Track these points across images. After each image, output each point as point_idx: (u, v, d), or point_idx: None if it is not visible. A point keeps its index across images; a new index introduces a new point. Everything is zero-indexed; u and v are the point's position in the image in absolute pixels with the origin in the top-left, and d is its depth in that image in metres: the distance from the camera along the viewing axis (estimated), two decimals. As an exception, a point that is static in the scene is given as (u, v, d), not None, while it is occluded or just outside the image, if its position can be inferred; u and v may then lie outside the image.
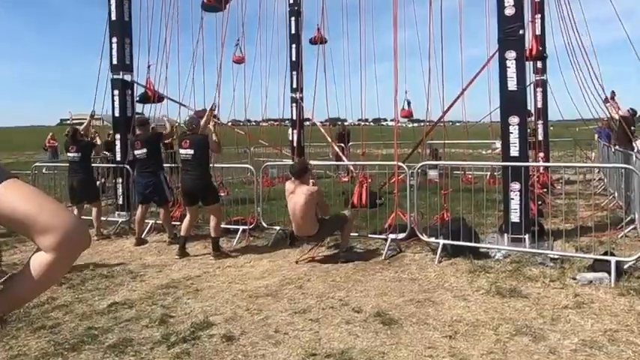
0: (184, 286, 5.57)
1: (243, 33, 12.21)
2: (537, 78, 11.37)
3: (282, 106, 13.32)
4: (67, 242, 1.11)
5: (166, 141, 9.34)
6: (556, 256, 5.83)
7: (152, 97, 9.32)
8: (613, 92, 9.22)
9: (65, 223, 1.11)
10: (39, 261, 1.13)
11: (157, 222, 8.13)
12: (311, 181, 6.43)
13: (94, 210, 8.00)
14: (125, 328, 4.41)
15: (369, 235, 7.05)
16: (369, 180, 11.08)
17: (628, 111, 10.55)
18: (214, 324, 4.43)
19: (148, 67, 9.35)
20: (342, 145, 15.43)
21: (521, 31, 6.33)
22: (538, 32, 10.93)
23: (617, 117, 9.65)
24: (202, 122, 7.01)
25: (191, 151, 6.75)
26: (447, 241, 6.25)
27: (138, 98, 9.29)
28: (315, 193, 6.17)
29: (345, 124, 18.77)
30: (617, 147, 9.73)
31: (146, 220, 7.95)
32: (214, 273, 6.06)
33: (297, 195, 6.17)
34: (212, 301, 5.05)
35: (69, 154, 8.12)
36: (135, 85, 9.15)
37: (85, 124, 8.71)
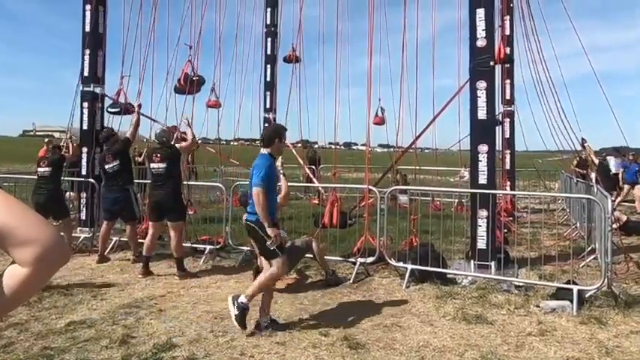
0: (147, 305, 5.42)
1: (220, 77, 12.14)
2: (506, 109, 11.70)
3: (250, 124, 13.28)
4: (47, 257, 1.05)
5: (140, 158, 9.17)
6: (521, 284, 5.92)
7: (123, 108, 9.15)
8: (583, 139, 9.56)
9: (45, 236, 1.06)
10: (13, 275, 1.06)
11: (122, 239, 7.92)
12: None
13: (65, 227, 7.69)
14: (83, 348, 4.24)
15: (338, 259, 7.02)
16: (339, 203, 11.13)
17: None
18: (177, 345, 4.31)
19: (121, 77, 9.21)
20: (313, 167, 15.47)
21: (491, 63, 6.53)
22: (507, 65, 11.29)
23: (596, 161, 10.02)
24: (188, 136, 6.94)
25: (163, 165, 6.62)
26: (415, 266, 6.29)
27: (114, 109, 9.09)
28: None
29: (316, 146, 18.85)
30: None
31: (110, 237, 7.73)
32: (179, 293, 5.92)
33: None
34: (176, 321, 4.92)
35: (39, 169, 7.80)
36: (105, 98, 8.99)
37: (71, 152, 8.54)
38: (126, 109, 9.04)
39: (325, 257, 6.55)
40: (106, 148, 7.72)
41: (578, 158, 11.50)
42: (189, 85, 9.44)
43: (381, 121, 12.43)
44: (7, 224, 1.04)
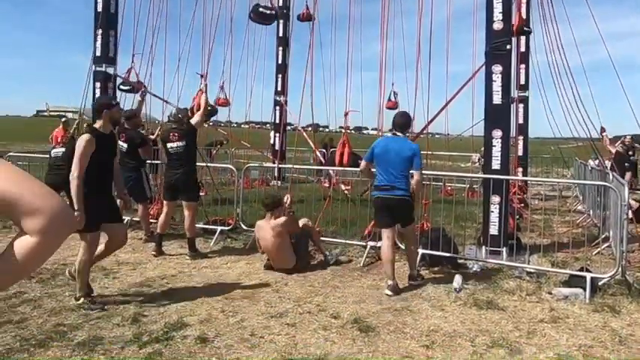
0: (159, 285, 5.45)
1: (230, 75, 12.09)
2: (520, 94, 11.54)
3: (262, 107, 13.24)
4: (54, 225, 1.07)
5: (153, 136, 9.18)
6: (532, 270, 5.88)
7: (134, 86, 9.17)
8: (603, 128, 9.38)
9: (52, 205, 1.07)
10: (22, 244, 1.07)
11: (134, 218, 7.97)
12: (287, 197, 6.51)
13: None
14: (95, 325, 4.28)
15: (348, 242, 7.01)
16: (349, 187, 11.12)
17: (625, 142, 10.69)
18: (188, 325, 4.33)
19: (133, 56, 9.22)
20: (324, 150, 15.42)
21: (508, 46, 6.41)
22: (523, 49, 11.13)
23: (612, 150, 9.87)
24: (202, 106, 6.95)
25: (182, 143, 6.62)
26: (426, 251, 6.26)
27: (125, 87, 9.11)
28: (284, 225, 5.96)
29: (327, 130, 18.79)
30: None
31: (123, 216, 7.76)
32: (190, 273, 5.95)
33: (264, 231, 5.99)
34: (187, 301, 4.94)
35: (54, 150, 7.92)
36: (117, 78, 8.98)
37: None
38: (136, 88, 9.07)
39: (331, 240, 6.79)
40: (124, 127, 7.75)
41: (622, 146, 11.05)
42: (259, 16, 9.54)
43: (394, 105, 12.34)
44: (14, 194, 1.04)
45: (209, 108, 9.73)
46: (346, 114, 10.01)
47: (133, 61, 9.20)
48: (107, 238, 4.91)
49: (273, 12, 10.94)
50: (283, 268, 5.97)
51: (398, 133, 5.60)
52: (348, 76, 10.12)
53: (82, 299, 4.69)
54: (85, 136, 4.68)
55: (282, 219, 6.02)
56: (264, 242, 6.05)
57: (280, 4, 13.64)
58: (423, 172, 5.81)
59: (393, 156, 5.43)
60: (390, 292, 5.27)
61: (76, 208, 4.45)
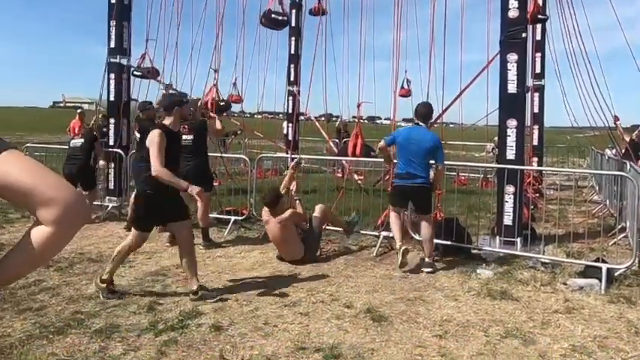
0: (174, 274, 5.52)
1: (242, 66, 12.04)
2: (535, 83, 11.38)
3: (275, 98, 13.20)
4: (69, 215, 1.09)
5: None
6: (547, 261, 5.84)
7: (149, 72, 9.24)
8: (617, 117, 9.22)
9: (67, 196, 1.09)
10: (38, 234, 1.10)
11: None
12: (297, 200, 6.52)
13: (89, 196, 7.88)
14: (112, 313, 4.36)
15: (362, 232, 7.02)
16: (362, 177, 11.09)
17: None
18: (203, 313, 4.39)
19: (147, 41, 9.27)
20: (337, 140, 15.38)
21: (523, 34, 6.32)
22: (538, 37, 10.96)
23: (627, 139, 9.71)
24: (217, 124, 7.15)
25: (190, 137, 6.67)
26: (439, 241, 6.24)
27: (139, 73, 9.18)
28: (289, 219, 6.00)
29: (339, 120, 18.70)
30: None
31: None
32: (204, 262, 6.01)
33: (271, 225, 6.05)
34: (201, 290, 4.99)
35: (72, 141, 8.07)
36: (132, 67, 9.04)
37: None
38: (150, 73, 9.14)
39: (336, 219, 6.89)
40: (136, 117, 7.85)
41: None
42: (214, 110, 9.66)
43: (407, 93, 12.24)
44: (30, 185, 1.07)
45: (222, 103, 9.83)
46: (359, 105, 9.98)
47: (146, 47, 9.25)
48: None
49: (285, 18, 11.01)
50: (293, 260, 6.01)
51: (420, 123, 5.82)
52: (360, 65, 10.07)
53: (104, 284, 4.71)
54: (157, 131, 4.66)
55: (288, 212, 6.06)
56: (271, 234, 6.11)
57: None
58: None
59: (415, 146, 5.68)
60: (402, 259, 5.61)
61: (184, 187, 4.62)
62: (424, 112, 5.92)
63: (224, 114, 10.77)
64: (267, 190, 6.70)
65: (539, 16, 8.59)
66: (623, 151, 9.41)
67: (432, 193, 5.97)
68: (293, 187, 6.69)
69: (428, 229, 5.85)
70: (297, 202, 6.58)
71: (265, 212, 6.17)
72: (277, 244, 6.11)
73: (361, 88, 9.86)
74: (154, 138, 4.61)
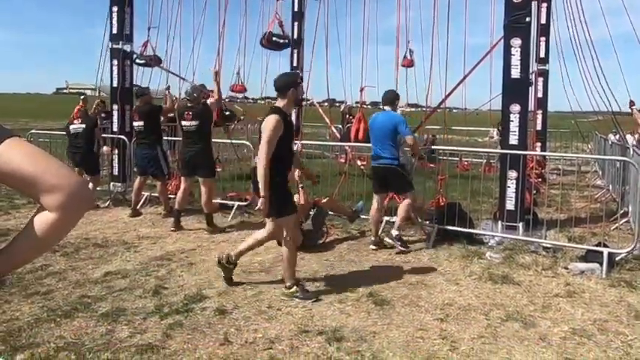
0: (178, 258, 5.58)
1: (246, 36, 11.99)
2: (539, 67, 11.31)
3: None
4: (73, 201, 1.11)
5: (169, 115, 9.25)
6: (549, 245, 5.87)
7: (151, 61, 9.23)
8: (632, 102, 9.15)
9: (70, 182, 1.11)
10: (43, 220, 1.12)
11: (153, 194, 8.11)
12: (301, 187, 6.42)
13: (90, 185, 7.95)
14: (118, 297, 4.42)
15: (364, 217, 7.05)
16: (365, 162, 11.10)
17: None
18: (207, 297, 4.45)
19: (149, 29, 9.26)
20: (340, 126, 15.34)
21: (527, 19, 6.27)
22: (543, 22, 10.87)
23: None
24: (215, 89, 7.10)
25: (195, 122, 6.69)
26: (442, 225, 6.28)
27: (141, 61, 9.18)
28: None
29: (343, 106, 18.62)
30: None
31: (142, 192, 7.92)
32: (208, 247, 6.07)
33: None
34: (205, 274, 5.07)
35: (72, 126, 8.09)
36: (134, 54, 9.03)
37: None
38: (152, 61, 9.14)
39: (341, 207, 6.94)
40: (136, 106, 7.89)
41: None
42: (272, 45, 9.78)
43: (409, 64, 12.12)
44: (33, 172, 1.08)
45: (227, 113, 9.89)
46: (362, 89, 9.96)
47: (149, 35, 9.23)
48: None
49: (286, 40, 11.12)
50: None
51: (385, 108, 6.16)
52: (364, 48, 10.00)
53: (294, 287, 4.47)
54: (274, 117, 4.30)
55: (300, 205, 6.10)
56: None
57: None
58: (440, 147, 5.92)
59: (377, 129, 6.07)
60: (373, 247, 6.02)
61: (262, 194, 4.24)
62: (387, 97, 6.21)
63: (227, 97, 10.80)
64: None
65: None
66: (635, 139, 9.36)
67: (403, 172, 6.04)
68: (297, 174, 6.70)
69: (402, 206, 6.03)
70: (301, 189, 6.58)
71: None
72: None
73: (365, 71, 9.82)
74: (269, 124, 4.27)
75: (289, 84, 4.51)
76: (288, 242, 4.51)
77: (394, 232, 5.92)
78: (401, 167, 6.02)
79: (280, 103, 4.51)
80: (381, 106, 6.54)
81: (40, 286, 4.61)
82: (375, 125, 6.14)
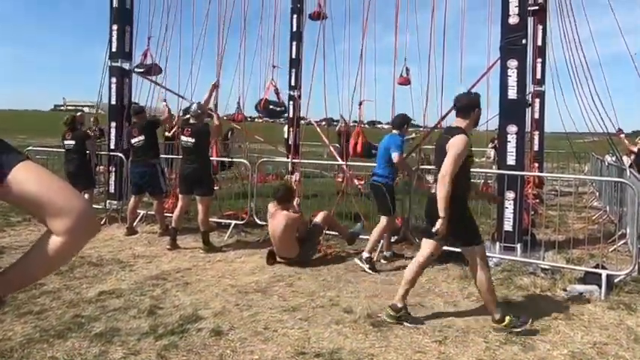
0: (174, 278, 5.53)
1: (245, 54, 12.06)
2: (536, 89, 11.41)
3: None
4: (80, 226, 1.12)
5: (169, 133, 9.26)
6: (547, 267, 5.84)
7: (151, 69, 9.25)
8: (620, 130, 9.25)
9: (78, 207, 1.12)
10: (50, 243, 1.13)
11: (149, 212, 8.07)
12: (296, 202, 6.59)
13: (86, 197, 7.92)
14: (112, 317, 4.36)
15: (361, 237, 7.02)
16: (362, 181, 11.10)
17: None
18: (203, 318, 4.39)
19: (149, 38, 9.30)
20: (338, 145, 15.34)
21: (523, 41, 6.34)
22: (539, 43, 10.99)
23: (635, 149, 9.73)
24: (205, 97, 7.21)
25: (192, 140, 6.71)
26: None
27: (141, 70, 9.19)
28: (295, 220, 6.17)
29: (342, 125, 18.65)
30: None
31: (138, 210, 7.88)
32: (204, 267, 6.02)
33: (277, 219, 6.13)
34: (201, 294, 5.01)
35: (65, 142, 8.10)
36: (133, 73, 9.06)
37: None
38: (152, 70, 9.16)
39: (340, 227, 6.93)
40: (133, 122, 7.90)
41: None
42: (267, 112, 9.88)
43: (406, 82, 12.17)
44: (42, 196, 1.10)
45: (278, 109, 10.06)
46: (360, 103, 9.98)
47: (148, 44, 9.27)
48: None
49: (283, 108, 11.32)
50: (285, 257, 6.14)
51: (394, 131, 6.39)
52: (361, 62, 10.02)
53: (507, 318, 4.18)
54: (464, 137, 4.09)
55: (297, 216, 6.22)
56: (273, 228, 6.18)
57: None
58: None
59: (379, 149, 6.39)
60: (384, 261, 6.25)
61: (441, 215, 3.98)
62: (394, 121, 6.52)
63: (224, 115, 10.82)
64: (277, 187, 6.91)
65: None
66: (627, 161, 9.41)
67: (386, 192, 6.14)
68: (295, 177, 6.91)
69: (376, 228, 6.18)
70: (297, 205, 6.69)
71: (273, 205, 6.32)
72: (275, 239, 6.17)
73: (362, 85, 9.81)
74: (459, 143, 4.05)
75: (474, 104, 4.36)
76: (485, 270, 4.25)
77: (365, 255, 6.00)
78: (387, 187, 6.16)
79: (462, 123, 4.29)
80: (378, 125, 6.64)
81: (33, 306, 4.55)
82: (380, 146, 6.44)
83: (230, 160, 11.03)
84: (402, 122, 6.44)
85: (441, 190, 4.01)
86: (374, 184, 6.29)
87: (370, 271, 5.85)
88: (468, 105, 4.33)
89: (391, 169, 6.22)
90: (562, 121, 10.10)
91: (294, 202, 6.61)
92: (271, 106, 10.77)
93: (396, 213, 7.00)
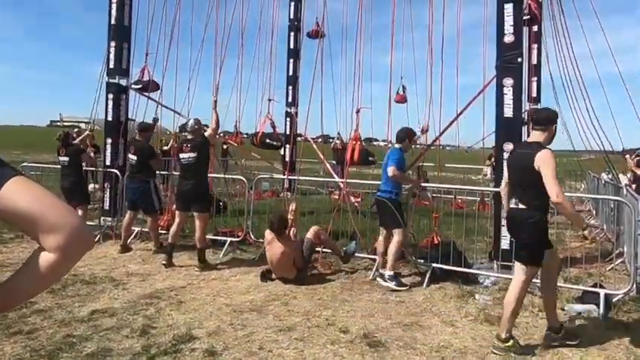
0: (168, 296, 5.45)
1: (242, 71, 12.12)
2: (531, 107, 11.47)
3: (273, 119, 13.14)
4: (73, 243, 1.10)
5: (167, 147, 9.20)
6: (545, 286, 5.78)
7: (148, 86, 9.23)
8: (625, 151, 9.28)
9: (71, 223, 1.10)
10: (42, 260, 1.11)
11: (144, 229, 8.00)
12: (292, 232, 6.50)
13: (80, 213, 7.85)
14: (105, 337, 4.29)
15: (357, 255, 6.97)
16: (359, 199, 11.08)
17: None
18: (197, 337, 4.32)
19: (146, 55, 9.31)
20: (334, 162, 15.34)
21: (519, 59, 6.38)
22: (534, 62, 11.08)
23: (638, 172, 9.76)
24: (214, 118, 7.22)
25: (193, 154, 6.68)
26: (437, 265, 6.21)
27: (138, 86, 9.18)
28: (293, 250, 6.10)
29: (337, 142, 18.68)
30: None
31: (132, 227, 7.82)
32: (199, 285, 5.95)
33: (274, 248, 6.09)
34: (195, 313, 4.94)
35: (60, 158, 8.07)
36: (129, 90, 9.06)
37: (82, 137, 8.60)
38: (150, 87, 9.15)
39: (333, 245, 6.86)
40: (134, 138, 7.89)
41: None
42: (263, 146, 9.96)
43: (402, 99, 12.20)
44: (34, 211, 1.08)
45: (275, 143, 10.15)
46: (358, 111, 9.98)
47: (146, 61, 9.28)
48: None
49: (279, 143, 11.49)
50: (283, 277, 6.08)
51: (396, 145, 6.34)
52: (358, 76, 10.07)
53: (511, 341, 4.15)
54: (549, 152, 4.03)
55: (295, 244, 6.19)
56: (271, 255, 6.11)
57: (292, 16, 13.76)
58: (434, 184, 6.00)
59: (383, 163, 6.35)
60: (381, 280, 6.00)
61: (583, 226, 4.33)
62: (397, 135, 6.40)
63: (220, 132, 10.83)
64: (272, 213, 6.70)
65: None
66: (625, 180, 9.41)
67: (394, 207, 6.07)
68: (292, 208, 6.79)
69: (392, 244, 6.04)
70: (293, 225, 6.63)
71: (269, 233, 6.20)
72: (272, 264, 6.12)
73: (359, 99, 9.82)
74: (550, 159, 3.97)
75: (553, 118, 4.34)
76: (524, 292, 4.24)
77: (387, 273, 5.91)
78: (392, 202, 6.08)
79: (540, 137, 4.22)
80: (375, 143, 6.62)
81: (23, 325, 4.47)
82: (384, 161, 6.40)
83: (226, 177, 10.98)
84: (403, 136, 6.34)
85: (566, 208, 4.01)
86: (379, 199, 6.25)
87: (398, 288, 5.79)
88: (547, 119, 4.31)
89: (395, 184, 6.16)
90: (571, 137, 10.12)
91: (291, 232, 6.53)
92: (268, 140, 10.83)
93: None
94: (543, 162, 3.95)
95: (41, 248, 1.10)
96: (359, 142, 8.39)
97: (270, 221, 6.25)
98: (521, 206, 4.17)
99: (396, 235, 6.03)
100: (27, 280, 1.13)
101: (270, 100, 11.63)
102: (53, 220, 1.08)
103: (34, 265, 1.11)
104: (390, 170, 6.04)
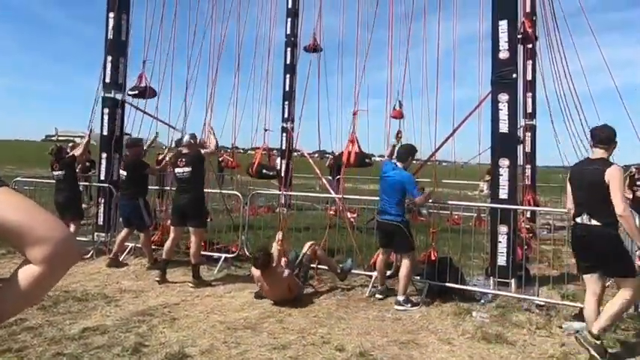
0: (161, 313, 5.37)
1: (238, 86, 12.14)
2: (527, 122, 11.51)
3: (268, 133, 13.14)
4: (59, 255, 1.07)
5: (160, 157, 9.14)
6: (542, 303, 5.75)
7: (145, 92, 9.22)
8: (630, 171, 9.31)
9: (58, 235, 1.07)
10: (28, 273, 1.07)
11: (137, 245, 7.92)
12: (283, 262, 6.21)
13: (72, 228, 7.76)
14: (95, 355, 4.20)
15: (354, 271, 6.91)
16: (355, 214, 11.04)
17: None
18: (190, 356, 4.24)
19: (144, 62, 9.32)
20: (330, 177, 15.32)
21: (514, 75, 6.41)
22: (529, 77, 11.15)
23: (629, 196, 9.76)
24: (213, 141, 7.13)
25: (188, 169, 6.63)
26: (433, 282, 6.16)
27: (134, 92, 9.16)
28: (285, 279, 5.88)
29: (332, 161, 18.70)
30: None
31: (126, 243, 7.74)
32: (193, 302, 5.87)
33: (264, 284, 5.84)
34: (189, 331, 4.86)
35: (54, 172, 8.00)
36: (125, 103, 9.05)
37: (81, 150, 8.55)
38: (146, 92, 9.15)
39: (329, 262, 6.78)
40: (125, 155, 7.87)
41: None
42: (259, 176, 10.04)
43: (399, 115, 12.23)
44: (20, 223, 1.05)
45: (270, 173, 10.23)
46: (355, 113, 9.96)
47: (143, 68, 9.28)
48: None
49: (275, 172, 11.63)
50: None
51: (397, 164, 6.13)
52: (355, 88, 10.11)
53: (601, 338, 4.33)
54: (619, 168, 4.32)
55: (285, 278, 5.90)
56: (263, 289, 5.92)
57: (288, 32, 13.84)
58: (431, 202, 6.03)
59: (386, 184, 6.07)
60: (379, 296, 6.09)
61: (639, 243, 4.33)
62: (399, 153, 6.28)
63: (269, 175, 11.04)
64: (255, 249, 6.30)
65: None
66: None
67: (407, 231, 5.96)
68: (279, 237, 6.51)
69: (403, 267, 5.96)
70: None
71: (255, 270, 5.89)
72: (268, 297, 5.91)
73: (356, 124, 9.85)
74: (618, 175, 4.22)
75: (614, 136, 4.56)
76: (631, 304, 4.44)
77: (400, 298, 5.84)
78: (405, 225, 5.97)
79: (604, 154, 4.50)
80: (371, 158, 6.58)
81: (13, 342, 4.37)
82: (386, 179, 6.09)
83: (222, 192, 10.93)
84: (405, 154, 6.21)
85: (630, 223, 4.15)
86: (388, 223, 5.98)
87: (413, 309, 5.75)
88: (609, 137, 4.54)
89: (403, 207, 6.04)
90: (563, 152, 10.15)
91: (282, 262, 6.20)
92: (264, 170, 10.84)
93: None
94: (613, 177, 4.20)
95: (26, 261, 1.07)
96: (355, 145, 8.34)
97: (254, 257, 5.89)
98: (594, 222, 4.36)
99: (408, 259, 5.94)
100: (11, 295, 1.09)
101: (265, 130, 11.66)
102: (39, 232, 1.05)
103: (19, 279, 1.07)
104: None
